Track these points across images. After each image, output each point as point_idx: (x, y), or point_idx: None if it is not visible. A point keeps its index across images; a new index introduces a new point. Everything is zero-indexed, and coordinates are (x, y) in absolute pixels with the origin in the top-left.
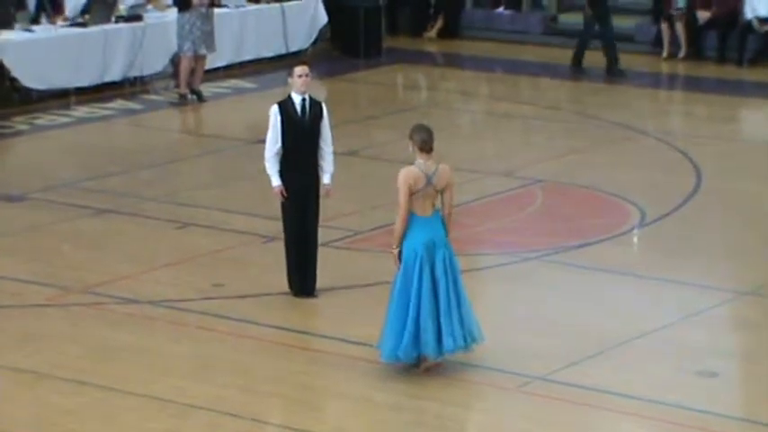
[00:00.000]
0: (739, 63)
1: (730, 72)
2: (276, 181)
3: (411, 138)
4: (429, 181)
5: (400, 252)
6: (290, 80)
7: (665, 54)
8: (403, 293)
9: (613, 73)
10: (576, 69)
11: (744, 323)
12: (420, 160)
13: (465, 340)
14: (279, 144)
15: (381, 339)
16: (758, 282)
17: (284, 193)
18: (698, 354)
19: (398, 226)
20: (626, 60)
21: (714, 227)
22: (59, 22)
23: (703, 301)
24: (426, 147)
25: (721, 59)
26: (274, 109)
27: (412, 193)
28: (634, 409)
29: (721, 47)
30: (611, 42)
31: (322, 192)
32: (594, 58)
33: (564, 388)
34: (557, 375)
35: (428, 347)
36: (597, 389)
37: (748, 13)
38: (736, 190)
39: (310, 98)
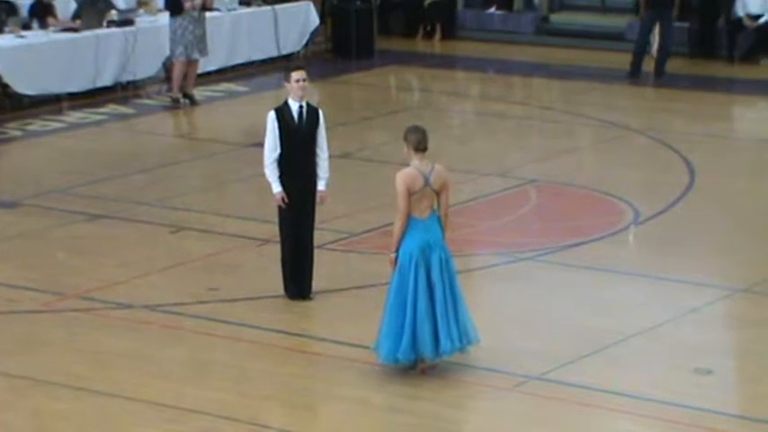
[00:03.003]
0: (730, 60)
1: (722, 69)
2: (277, 187)
3: (405, 139)
4: (427, 181)
5: (397, 257)
6: (286, 85)
7: (654, 52)
8: (399, 295)
9: (658, 76)
10: (635, 76)
11: (738, 320)
12: (416, 161)
13: (461, 341)
14: (278, 151)
15: (378, 341)
16: (752, 279)
17: (285, 199)
18: (693, 351)
19: (397, 229)
20: (616, 59)
21: (708, 225)
22: (51, 28)
23: (698, 299)
24: (421, 147)
25: (712, 57)
26: (272, 115)
27: (411, 194)
28: (630, 407)
29: (711, 44)
30: (667, 47)
31: (317, 198)
32: (593, 57)
33: (560, 387)
34: (552, 375)
35: (426, 349)
36: (593, 387)
37: (739, 10)
38: (729, 187)
39: (308, 105)
